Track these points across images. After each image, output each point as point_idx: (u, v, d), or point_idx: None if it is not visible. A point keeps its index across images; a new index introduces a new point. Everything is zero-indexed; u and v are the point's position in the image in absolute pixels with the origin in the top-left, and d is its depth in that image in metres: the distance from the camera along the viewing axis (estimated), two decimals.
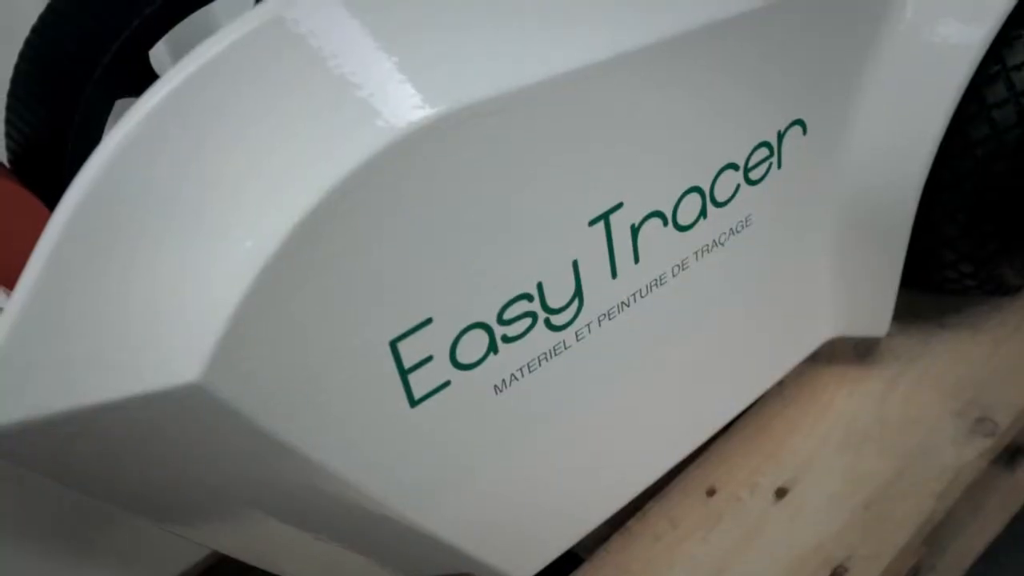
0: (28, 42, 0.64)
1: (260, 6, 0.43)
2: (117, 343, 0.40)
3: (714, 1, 0.54)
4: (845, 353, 0.77)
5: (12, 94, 0.64)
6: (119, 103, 0.62)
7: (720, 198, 0.58)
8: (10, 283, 0.53)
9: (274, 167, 0.41)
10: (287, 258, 0.40)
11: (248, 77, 0.41)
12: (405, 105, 0.42)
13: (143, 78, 0.61)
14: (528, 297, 0.50)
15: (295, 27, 0.42)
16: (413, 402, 0.48)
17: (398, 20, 0.44)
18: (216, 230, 0.40)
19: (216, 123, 0.41)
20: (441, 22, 0.45)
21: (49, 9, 0.63)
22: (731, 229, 0.61)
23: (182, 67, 0.41)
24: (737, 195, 0.59)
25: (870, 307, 0.73)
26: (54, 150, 0.60)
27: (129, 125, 0.39)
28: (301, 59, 0.42)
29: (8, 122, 0.65)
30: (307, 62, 0.42)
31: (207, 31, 0.52)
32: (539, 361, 0.53)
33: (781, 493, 0.70)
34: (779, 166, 0.61)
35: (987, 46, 0.64)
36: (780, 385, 0.73)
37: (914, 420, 0.73)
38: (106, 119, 0.61)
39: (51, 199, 0.57)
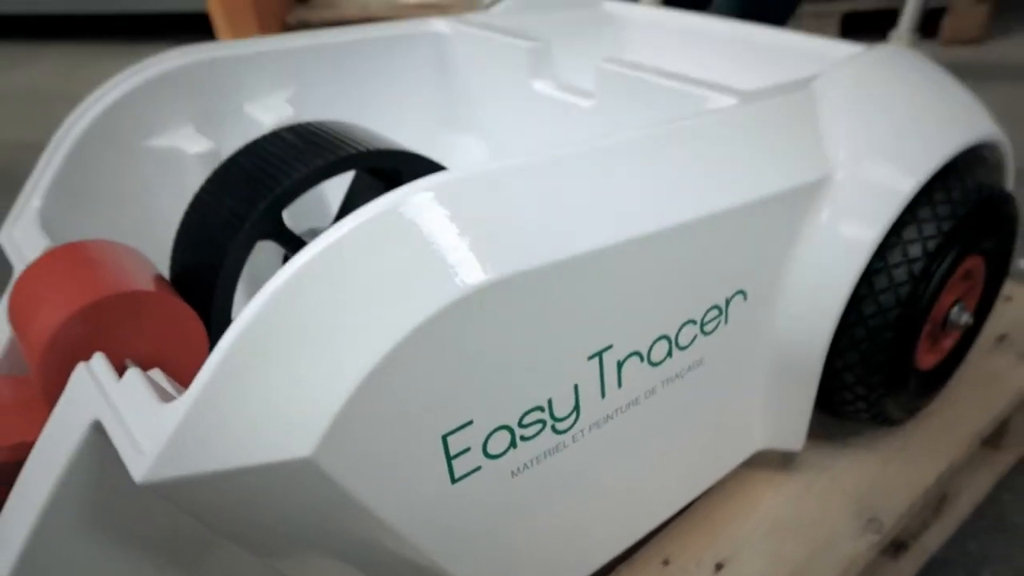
0: (196, 200, 0.65)
1: (380, 199, 0.46)
2: (260, 424, 0.42)
3: (691, 203, 0.56)
4: (772, 461, 0.77)
5: (181, 236, 0.65)
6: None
7: (682, 344, 0.59)
8: (174, 374, 0.55)
9: (377, 308, 0.43)
10: (378, 375, 0.42)
11: (367, 244, 0.44)
12: (474, 271, 0.44)
13: (277, 228, 0.63)
14: (541, 409, 0.51)
15: (404, 215, 0.45)
16: (453, 480, 0.49)
17: (470, 214, 0.47)
18: (334, 348, 0.43)
19: (342, 277, 0.44)
20: (497, 218, 0.48)
21: (210, 181, 0.65)
22: (689, 366, 0.61)
23: (324, 238, 0.44)
24: (694, 342, 0.60)
25: (790, 427, 0.72)
26: (209, 277, 0.61)
27: (281, 279, 0.43)
28: (403, 235, 0.45)
29: (174, 256, 0.66)
30: (406, 238, 0.45)
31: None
32: (545, 455, 0.54)
33: (719, 567, 0.69)
34: (726, 322, 0.62)
35: (876, 247, 0.65)
36: (722, 482, 0.73)
37: (822, 517, 0.72)
38: (247, 257, 0.62)
39: (200, 310, 0.60)
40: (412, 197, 0.45)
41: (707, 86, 0.69)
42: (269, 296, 0.43)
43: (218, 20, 2.64)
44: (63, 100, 2.51)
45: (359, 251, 0.44)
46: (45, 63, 2.93)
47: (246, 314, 0.42)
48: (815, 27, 2.08)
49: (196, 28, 2.83)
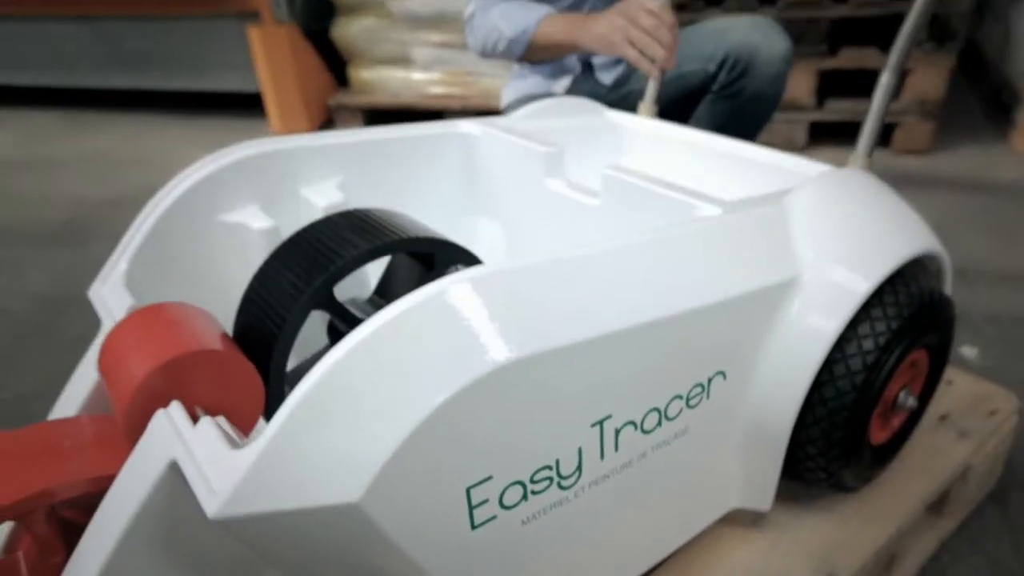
0: (261, 272, 0.66)
1: (426, 288, 0.48)
2: (317, 473, 0.44)
3: (682, 298, 0.57)
4: (744, 519, 0.76)
5: (247, 302, 0.66)
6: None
7: (670, 415, 0.60)
8: (235, 421, 0.56)
9: (418, 378, 0.45)
10: (417, 435, 0.44)
11: (415, 324, 0.47)
12: (500, 350, 0.47)
13: (328, 300, 0.64)
14: (549, 467, 0.52)
15: (446, 302, 0.48)
16: (473, 527, 0.50)
17: (498, 303, 0.49)
18: (382, 412, 0.45)
19: (392, 352, 0.45)
20: (520, 307, 0.50)
21: (274, 256, 0.66)
22: (675, 434, 0.61)
23: (379, 317, 0.46)
24: (680, 414, 0.60)
25: (760, 490, 0.72)
26: (269, 339, 0.62)
27: (341, 351, 0.45)
28: (443, 319, 0.47)
29: (239, 317, 0.67)
30: (446, 321, 0.47)
31: None
32: (551, 507, 0.54)
33: None
34: (708, 398, 0.62)
35: (836, 339, 0.65)
36: (700, 536, 0.73)
37: (786, 571, 0.72)
38: (303, 323, 0.62)
39: (259, 367, 0.61)
40: (452, 287, 0.48)
41: (696, 196, 0.71)
42: (330, 365, 0.45)
43: (268, 100, 2.68)
44: (127, 163, 2.57)
45: (408, 330, 0.46)
46: (113, 130, 2.96)
47: (309, 379, 0.44)
48: (786, 131, 2.13)
49: (247, 105, 2.87)
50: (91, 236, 1.98)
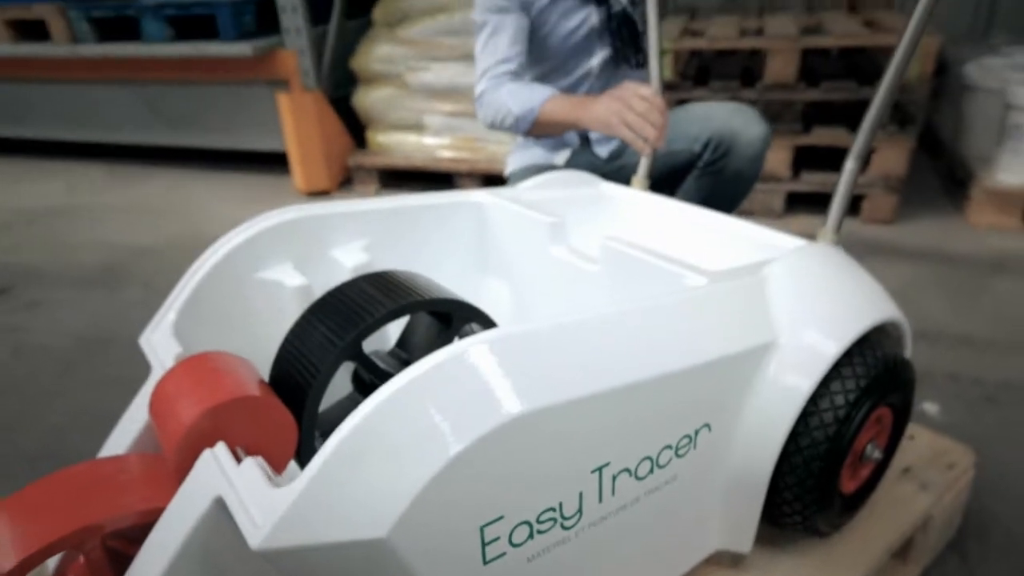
0: (297, 325, 0.67)
1: (449, 348, 0.50)
2: (350, 511, 0.45)
3: (672, 359, 0.59)
4: (725, 560, 0.76)
5: (284, 352, 0.67)
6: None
7: (661, 463, 0.61)
8: (269, 459, 0.56)
9: (441, 428, 0.47)
10: (438, 479, 0.46)
11: (439, 380, 0.49)
12: (513, 404, 0.49)
13: (357, 352, 0.65)
14: (553, 509, 0.54)
15: (466, 360, 0.50)
16: (485, 562, 0.51)
17: (512, 362, 0.50)
18: (408, 458, 0.46)
19: (419, 404, 0.47)
20: (530, 366, 0.51)
21: (310, 312, 0.68)
22: (666, 481, 0.62)
23: (408, 372, 0.48)
24: (670, 463, 0.62)
25: (741, 533, 0.72)
26: (303, 387, 0.63)
27: (373, 403, 0.47)
28: (464, 375, 0.49)
29: (276, 366, 0.67)
30: (466, 377, 0.49)
31: None
32: (554, 546, 0.55)
33: None
34: (695, 448, 0.63)
35: (810, 396, 0.66)
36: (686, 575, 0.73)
37: None
38: (334, 373, 0.63)
39: (293, 411, 0.62)
40: (472, 348, 0.50)
41: (684, 266, 0.73)
42: (364, 416, 0.47)
43: (293, 159, 2.71)
44: (162, 213, 2.61)
45: (432, 385, 0.48)
46: (151, 182, 3.00)
47: (344, 428, 0.46)
48: (766, 199, 2.17)
49: (274, 162, 2.91)
50: (126, 281, 2.00)
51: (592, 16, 1.40)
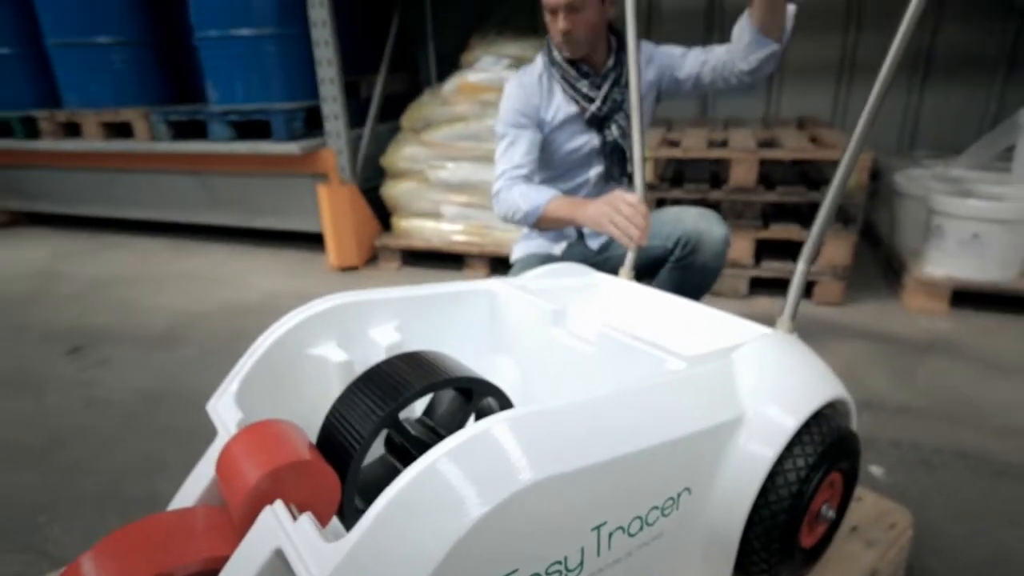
0: (343, 397, 0.68)
1: (476, 425, 0.51)
2: (391, 566, 0.46)
3: (658, 432, 0.60)
4: None
5: (331, 420, 0.67)
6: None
7: (649, 522, 0.61)
8: (316, 515, 0.57)
9: (467, 494, 0.48)
10: (464, 538, 0.47)
11: (468, 452, 0.50)
12: (527, 473, 0.50)
13: (394, 422, 0.66)
14: (559, 562, 0.54)
15: (491, 435, 0.51)
16: None
17: (527, 437, 0.51)
18: (438, 520, 0.47)
19: (450, 474, 0.49)
20: (542, 440, 0.52)
21: (354, 385, 0.68)
22: (653, 537, 0.63)
23: (440, 447, 0.49)
24: (657, 521, 0.62)
25: None
26: (347, 451, 0.64)
27: (410, 476, 0.48)
28: (489, 447, 0.50)
29: (323, 431, 0.67)
30: (490, 449, 0.50)
31: None
32: None
33: None
34: (677, 509, 0.64)
35: (775, 461, 0.66)
36: None
37: None
38: (374, 440, 0.64)
39: (337, 471, 0.63)
40: (496, 427, 0.52)
41: (665, 351, 0.75)
42: (404, 485, 0.48)
43: (328, 239, 2.75)
44: (215, 282, 2.64)
45: (462, 457, 0.50)
46: (207, 255, 3.04)
47: (388, 493, 0.48)
48: (733, 283, 2.20)
49: (312, 241, 2.96)
50: (183, 341, 2.00)
51: (593, 139, 1.48)
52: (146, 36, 3.06)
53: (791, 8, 1.29)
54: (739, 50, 1.33)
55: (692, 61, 1.44)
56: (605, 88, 1.44)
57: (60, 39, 2.97)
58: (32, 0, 2.95)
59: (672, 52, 1.48)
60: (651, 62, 1.47)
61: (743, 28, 1.32)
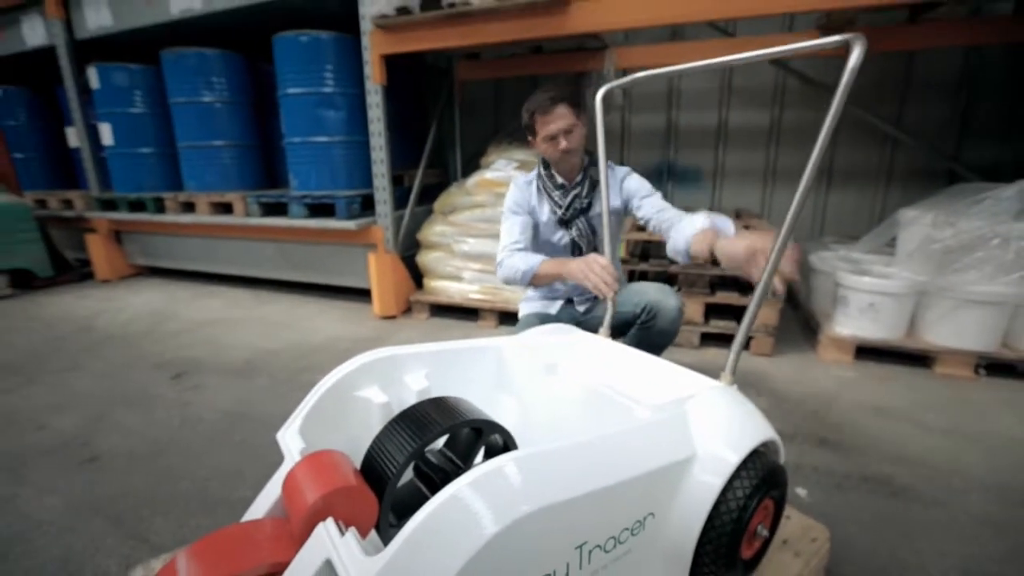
0: (382, 434, 0.66)
1: (490, 462, 0.50)
2: (418, 574, 0.45)
3: (629, 468, 0.58)
4: None
5: (373, 451, 0.65)
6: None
7: (621, 540, 0.60)
8: (360, 532, 0.57)
9: (478, 519, 0.47)
10: (474, 557, 0.46)
11: (482, 485, 0.49)
12: (525, 504, 0.49)
13: (422, 454, 0.65)
14: (549, 575, 0.53)
15: (501, 471, 0.50)
16: None
17: (528, 474, 0.51)
18: (455, 541, 0.46)
19: (465, 502, 0.48)
20: (538, 476, 0.52)
21: (392, 423, 0.67)
22: (624, 553, 0.61)
23: (461, 479, 0.48)
24: (627, 540, 0.61)
25: None
26: (385, 477, 0.62)
27: (436, 503, 0.48)
28: (497, 482, 0.49)
29: (367, 460, 0.66)
30: (498, 484, 0.49)
31: None
32: None
33: None
34: (643, 529, 0.63)
35: (721, 489, 0.65)
36: None
37: None
38: (406, 468, 0.63)
39: (376, 493, 0.61)
40: (506, 465, 0.51)
41: (635, 401, 0.75)
42: (431, 511, 0.47)
43: (374, 294, 2.75)
44: (284, 325, 2.63)
45: (476, 489, 0.49)
46: (279, 303, 3.03)
47: (419, 517, 0.47)
48: (688, 336, 2.13)
49: (361, 294, 2.96)
50: (258, 372, 1.98)
51: (565, 237, 1.51)
52: (247, 140, 3.21)
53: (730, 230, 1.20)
54: (671, 246, 1.30)
55: (648, 208, 1.43)
56: (569, 198, 1.47)
57: (187, 143, 3.15)
58: (171, 116, 3.12)
59: (639, 189, 1.46)
60: (622, 189, 1.47)
61: (679, 248, 1.24)
